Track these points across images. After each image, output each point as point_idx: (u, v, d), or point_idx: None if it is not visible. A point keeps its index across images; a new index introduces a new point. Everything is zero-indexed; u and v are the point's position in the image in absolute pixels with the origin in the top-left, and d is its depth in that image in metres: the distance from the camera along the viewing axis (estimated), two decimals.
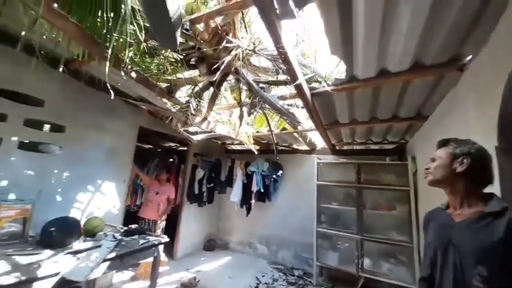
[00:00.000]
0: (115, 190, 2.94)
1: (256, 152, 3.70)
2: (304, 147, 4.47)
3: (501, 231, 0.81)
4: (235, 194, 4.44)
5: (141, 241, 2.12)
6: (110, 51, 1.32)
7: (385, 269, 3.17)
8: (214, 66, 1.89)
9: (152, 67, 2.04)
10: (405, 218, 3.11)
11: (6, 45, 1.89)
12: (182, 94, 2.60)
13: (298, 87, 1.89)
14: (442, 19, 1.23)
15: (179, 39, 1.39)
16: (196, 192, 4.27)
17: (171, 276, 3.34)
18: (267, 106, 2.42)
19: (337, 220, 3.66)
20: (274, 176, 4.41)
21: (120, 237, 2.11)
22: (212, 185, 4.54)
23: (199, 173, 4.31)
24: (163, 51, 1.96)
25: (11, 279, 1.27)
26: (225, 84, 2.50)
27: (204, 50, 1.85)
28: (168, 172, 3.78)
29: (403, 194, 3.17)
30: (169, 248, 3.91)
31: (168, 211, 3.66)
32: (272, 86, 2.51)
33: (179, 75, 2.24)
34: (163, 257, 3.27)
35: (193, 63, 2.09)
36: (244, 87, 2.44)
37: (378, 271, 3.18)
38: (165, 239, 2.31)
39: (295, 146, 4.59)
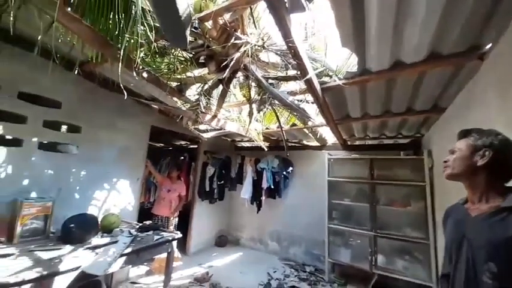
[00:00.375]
0: (129, 188, 3.03)
1: (266, 149, 3.70)
2: (315, 143, 4.41)
3: None
4: (245, 190, 4.47)
5: (156, 237, 2.18)
6: (121, 52, 1.35)
7: (399, 266, 3.10)
8: (223, 64, 1.89)
9: (163, 67, 2.07)
10: (421, 214, 3.02)
11: (24, 49, 1.97)
12: (192, 92, 2.63)
13: (308, 82, 1.86)
14: (460, 5, 1.17)
15: (189, 38, 1.40)
16: (207, 189, 4.33)
17: (184, 271, 3.42)
18: (277, 102, 2.40)
19: (349, 216, 3.61)
20: (284, 173, 4.40)
21: (135, 233, 2.18)
22: (222, 182, 4.58)
23: (210, 171, 4.36)
24: (173, 51, 1.98)
25: (34, 273, 1.33)
26: (234, 81, 2.50)
27: (213, 47, 1.85)
28: (178, 170, 3.85)
29: (418, 189, 3.07)
30: (182, 244, 4.00)
31: (180, 208, 3.74)
32: (281, 82, 2.49)
33: (189, 73, 2.25)
34: (176, 252, 3.36)
35: (203, 61, 2.09)
36: (254, 84, 2.43)
37: (392, 268, 3.12)
38: (179, 234, 2.36)
39: (305, 142, 4.54)
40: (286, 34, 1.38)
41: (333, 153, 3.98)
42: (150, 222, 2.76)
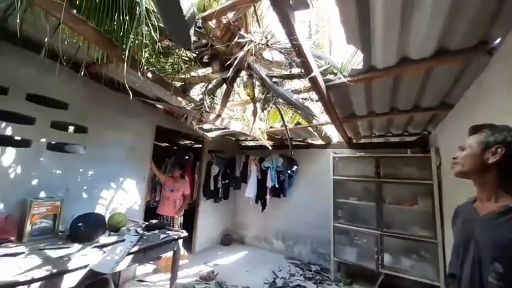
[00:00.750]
0: (136, 187, 3.06)
1: (270, 148, 3.69)
2: (319, 142, 4.39)
3: None
4: (250, 189, 4.47)
5: (162, 235, 2.20)
6: (126, 53, 1.36)
7: (406, 265, 3.07)
8: (227, 63, 1.89)
9: (167, 67, 2.08)
10: (428, 213, 2.97)
11: (31, 51, 2.00)
12: (196, 92, 2.64)
13: (313, 80, 1.84)
14: None
15: (193, 38, 1.40)
16: (212, 188, 4.35)
17: (190, 269, 3.45)
18: (281, 101, 2.39)
19: (355, 215, 3.58)
20: (288, 172, 4.39)
21: (142, 231, 2.21)
22: (227, 181, 4.59)
23: (215, 170, 4.37)
24: (177, 51, 1.99)
25: (44, 272, 1.36)
26: (238, 80, 2.50)
27: (217, 47, 1.85)
28: (181, 169, 3.86)
29: (426, 188, 3.03)
30: (188, 243, 4.04)
31: (185, 207, 3.77)
32: (285, 80, 2.47)
33: (193, 73, 2.26)
34: (182, 250, 3.39)
35: (206, 60, 2.10)
36: (258, 83, 2.42)
37: (399, 267, 3.08)
38: (184, 233, 2.38)
39: (309, 141, 4.52)
40: (290, 32, 1.37)
41: (338, 152, 3.94)
42: (156, 221, 2.80)
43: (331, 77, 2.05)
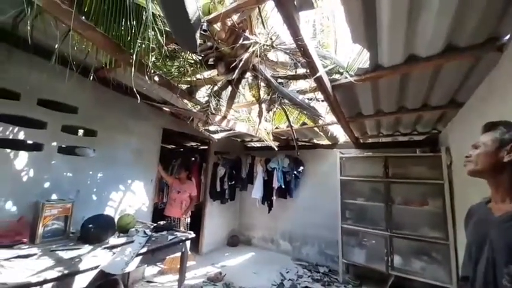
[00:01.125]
0: (144, 189, 3.10)
1: (276, 149, 3.68)
2: (326, 142, 4.35)
3: None
4: (256, 190, 4.47)
5: (170, 237, 2.22)
6: (134, 57, 1.38)
7: (417, 267, 3.00)
8: (232, 65, 1.90)
9: (173, 70, 2.11)
10: (439, 214, 2.90)
11: (42, 57, 2.06)
12: (202, 94, 2.66)
13: (318, 80, 1.83)
14: None
15: (198, 41, 1.42)
16: (218, 189, 4.37)
17: (197, 271, 3.47)
18: (286, 101, 2.39)
19: (363, 216, 3.53)
20: (295, 172, 4.36)
21: (150, 233, 2.23)
22: (233, 182, 4.60)
23: (221, 171, 4.39)
24: (183, 54, 2.01)
25: (56, 273, 1.39)
26: (243, 82, 2.51)
27: (222, 49, 1.86)
28: (187, 170, 3.89)
29: (436, 187, 2.96)
30: (195, 244, 4.06)
31: (192, 208, 3.79)
32: (291, 81, 2.47)
33: (199, 76, 2.28)
34: (189, 252, 3.41)
35: (212, 63, 2.11)
36: (263, 84, 2.42)
37: (410, 269, 3.02)
38: (192, 234, 2.40)
39: (316, 141, 4.49)
40: (295, 32, 1.36)
41: (344, 152, 3.90)
42: (164, 222, 2.82)
43: (337, 76, 2.03)
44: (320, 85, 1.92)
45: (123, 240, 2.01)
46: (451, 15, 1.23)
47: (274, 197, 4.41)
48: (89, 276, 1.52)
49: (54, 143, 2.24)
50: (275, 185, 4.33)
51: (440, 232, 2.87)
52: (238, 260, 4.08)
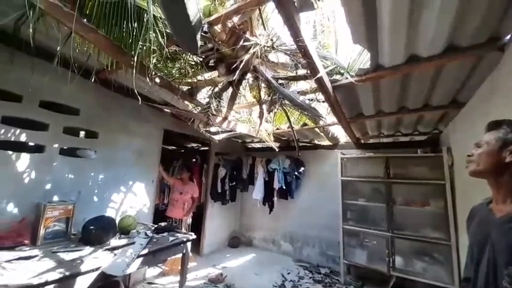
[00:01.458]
0: (145, 190, 3.11)
1: (277, 149, 3.68)
2: (327, 143, 4.35)
3: None
4: (257, 191, 4.46)
5: (171, 238, 2.22)
6: (135, 59, 1.38)
7: (419, 267, 2.99)
8: (233, 66, 1.90)
9: (174, 71, 2.11)
10: (441, 214, 2.89)
11: (44, 59, 2.07)
12: (203, 95, 2.66)
13: (319, 81, 1.83)
14: None
15: (199, 43, 1.42)
16: (219, 190, 4.37)
17: (198, 272, 3.46)
18: (287, 102, 2.39)
19: (364, 217, 3.52)
20: (296, 173, 4.36)
21: (151, 234, 2.23)
22: (234, 183, 4.60)
23: (222, 172, 4.39)
24: (184, 55, 2.02)
25: (57, 274, 1.39)
26: (243, 83, 2.51)
27: (223, 50, 1.86)
28: (189, 171, 3.90)
29: (438, 188, 2.95)
30: (196, 245, 4.05)
31: (194, 209, 3.79)
32: (291, 82, 2.47)
33: (199, 77, 2.29)
34: (190, 253, 3.41)
35: (212, 64, 2.12)
36: (263, 85, 2.43)
37: (411, 270, 3.01)
38: (193, 236, 2.39)
39: (316, 142, 4.48)
40: (295, 33, 1.37)
41: (345, 152, 3.89)
42: (165, 223, 2.82)
43: (337, 77, 2.03)
44: (321, 86, 1.92)
45: (124, 241, 2.01)
46: (453, 15, 1.22)
47: (275, 198, 4.40)
48: (90, 277, 1.52)
49: (56, 145, 2.25)
50: (276, 185, 4.32)
51: (442, 233, 2.86)
52: (239, 261, 4.07)
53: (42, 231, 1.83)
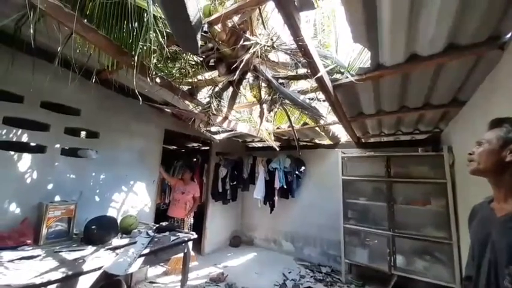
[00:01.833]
0: (146, 190, 3.12)
1: (277, 149, 3.68)
2: (327, 142, 4.34)
3: None
4: (258, 191, 4.47)
5: (172, 237, 2.22)
6: (135, 59, 1.39)
7: (420, 266, 2.98)
8: (233, 66, 1.91)
9: (174, 71, 2.12)
10: (442, 213, 2.89)
11: (45, 60, 2.07)
12: (203, 95, 2.67)
13: (320, 80, 1.83)
14: None
15: (199, 42, 1.42)
16: (220, 190, 4.37)
17: (200, 271, 3.47)
18: (287, 102, 2.39)
19: (365, 216, 3.52)
20: (296, 172, 4.36)
21: (152, 234, 2.24)
22: (235, 183, 4.60)
23: (222, 172, 4.40)
24: (184, 55, 2.02)
25: (60, 274, 1.39)
26: (244, 82, 2.51)
27: (223, 50, 1.87)
28: (191, 171, 3.91)
29: (439, 187, 2.94)
30: (197, 244, 4.06)
31: (195, 209, 3.80)
32: (292, 81, 2.47)
33: (200, 77, 2.29)
34: (191, 252, 3.42)
35: (213, 64, 2.12)
36: (264, 84, 2.43)
37: (413, 269, 3.00)
38: (194, 235, 2.40)
39: (317, 141, 4.48)
40: (295, 33, 1.37)
41: (346, 152, 3.89)
42: (167, 223, 2.83)
43: (338, 76, 2.03)
44: (321, 85, 1.92)
45: (126, 241, 2.02)
46: (453, 14, 1.22)
47: (276, 197, 4.40)
48: (93, 277, 1.53)
49: (57, 145, 2.25)
50: (277, 185, 4.32)
51: (443, 231, 2.85)
52: (241, 261, 4.08)
53: (44, 231, 1.85)
